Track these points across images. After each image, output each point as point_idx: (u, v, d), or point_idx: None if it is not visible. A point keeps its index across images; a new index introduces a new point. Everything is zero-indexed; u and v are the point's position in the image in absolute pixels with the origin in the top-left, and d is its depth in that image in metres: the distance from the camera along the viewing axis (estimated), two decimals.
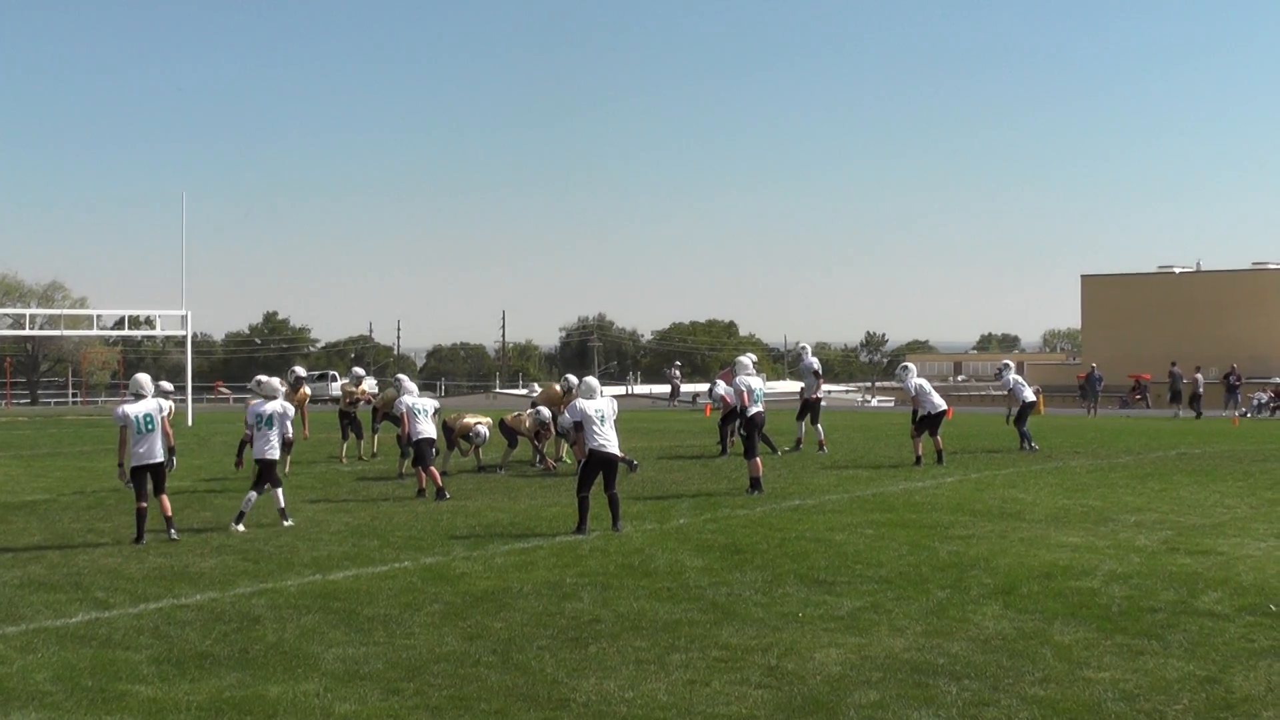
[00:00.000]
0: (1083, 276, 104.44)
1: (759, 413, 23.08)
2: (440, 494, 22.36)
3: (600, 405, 18.74)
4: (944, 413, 27.81)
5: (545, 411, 27.84)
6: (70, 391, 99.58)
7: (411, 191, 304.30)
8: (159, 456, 18.41)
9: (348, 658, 11.34)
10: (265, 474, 19.72)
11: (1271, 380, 45.36)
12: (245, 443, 21.96)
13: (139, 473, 18.29)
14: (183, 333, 63.36)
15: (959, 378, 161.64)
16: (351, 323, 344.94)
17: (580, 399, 18.84)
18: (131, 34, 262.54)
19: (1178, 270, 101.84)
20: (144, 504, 18.25)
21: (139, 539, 18.09)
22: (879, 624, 12.38)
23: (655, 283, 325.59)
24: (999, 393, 45.20)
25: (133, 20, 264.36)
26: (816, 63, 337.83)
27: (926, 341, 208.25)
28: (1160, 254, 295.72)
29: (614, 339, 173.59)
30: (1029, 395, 31.27)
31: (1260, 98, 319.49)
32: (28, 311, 75.68)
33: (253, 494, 19.51)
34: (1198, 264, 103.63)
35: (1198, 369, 59.86)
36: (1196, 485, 23.75)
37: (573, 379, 28.53)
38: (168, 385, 28.22)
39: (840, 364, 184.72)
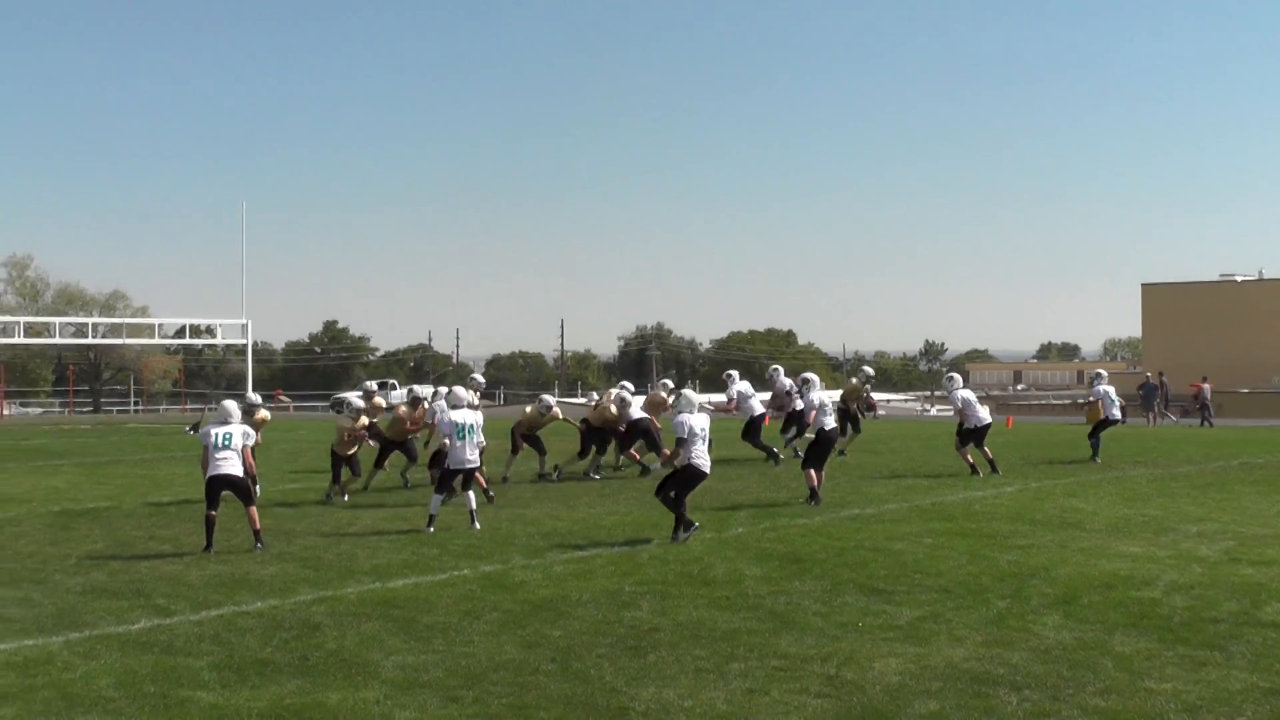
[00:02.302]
0: (1143, 285, 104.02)
1: (834, 428, 23.05)
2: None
3: (702, 420, 18.65)
4: (988, 426, 27.54)
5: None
6: (132, 400, 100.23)
7: (470, 200, 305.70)
8: (233, 470, 18.30)
9: (407, 665, 11.38)
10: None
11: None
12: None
13: (212, 483, 18.26)
14: (243, 341, 63.90)
15: (1019, 386, 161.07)
16: (411, 332, 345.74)
17: (684, 413, 18.63)
18: (192, 46, 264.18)
19: (1239, 279, 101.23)
20: (213, 512, 18.28)
21: (208, 547, 18.08)
22: (938, 633, 12.34)
23: (714, 291, 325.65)
24: (1083, 401, 44.93)
25: (192, 33, 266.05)
26: (872, 68, 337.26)
27: (986, 350, 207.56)
28: (1222, 262, 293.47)
29: (672, 348, 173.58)
30: (1116, 413, 30.84)
31: None
32: (90, 320, 76.42)
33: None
34: (1260, 272, 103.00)
35: (1204, 379, 59.48)
36: (1258, 495, 23.58)
37: (629, 386, 28.52)
38: (255, 397, 28.28)
39: (899, 373, 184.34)
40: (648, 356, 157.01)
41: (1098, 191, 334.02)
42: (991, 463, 27.33)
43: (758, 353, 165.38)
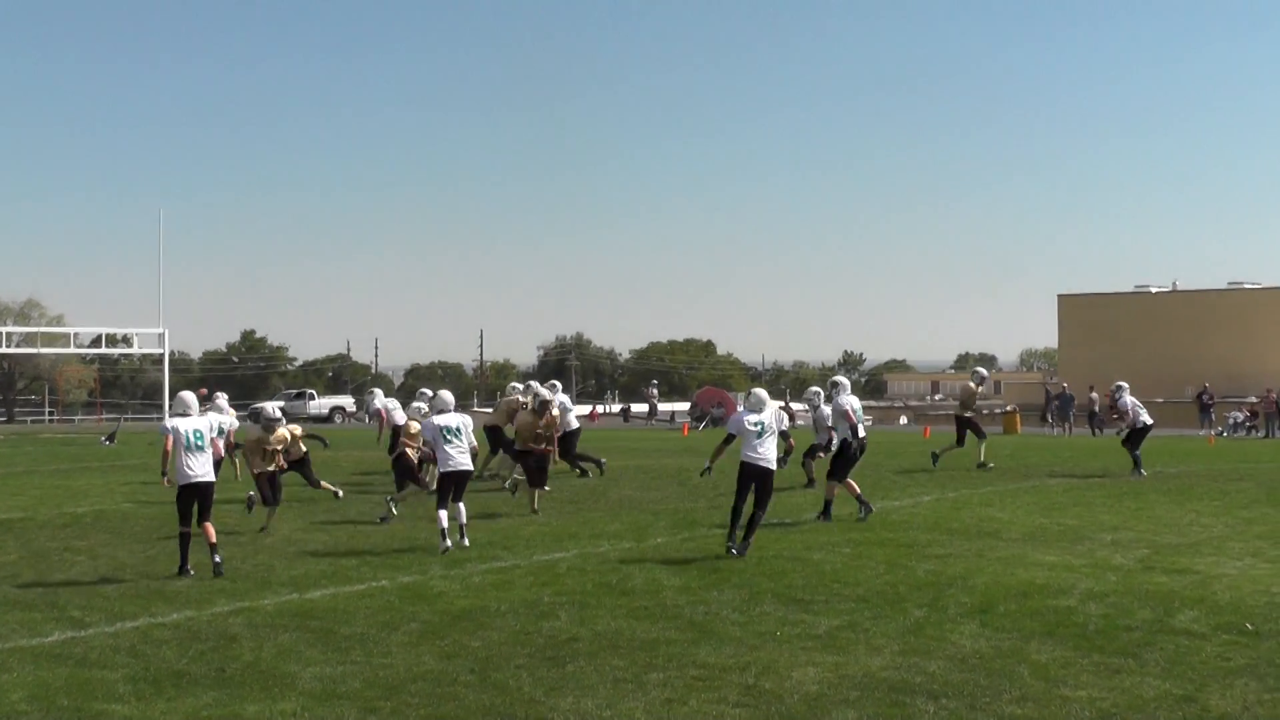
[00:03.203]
0: (1059, 296, 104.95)
1: (863, 438, 21.91)
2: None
3: (762, 418, 18.23)
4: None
5: None
6: (47, 410, 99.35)
7: (389, 209, 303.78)
8: (208, 475, 17.13)
9: (325, 677, 11.32)
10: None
11: (1247, 399, 45.56)
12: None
13: (186, 492, 16.91)
14: (160, 351, 63.35)
15: (936, 396, 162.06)
16: (329, 341, 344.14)
17: (744, 411, 18.44)
18: (106, 47, 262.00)
19: (1154, 290, 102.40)
20: (187, 529, 16.93)
21: (183, 569, 16.87)
22: (856, 643, 12.40)
23: (634, 301, 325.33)
24: (1000, 410, 44.95)
25: (107, 33, 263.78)
26: (791, 73, 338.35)
27: (904, 360, 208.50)
28: (1137, 274, 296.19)
29: (592, 358, 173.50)
30: (1146, 418, 30.58)
31: (1236, 118, 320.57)
32: (4, 329, 75.44)
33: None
34: (1174, 284, 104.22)
35: (1091, 388, 60.22)
36: (1172, 504, 23.83)
37: (558, 385, 28.49)
38: (222, 400, 28.14)
39: (818, 383, 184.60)
40: (567, 366, 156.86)
41: (1015, 202, 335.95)
42: (810, 481, 27.38)
43: (677, 363, 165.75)
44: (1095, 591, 14.86)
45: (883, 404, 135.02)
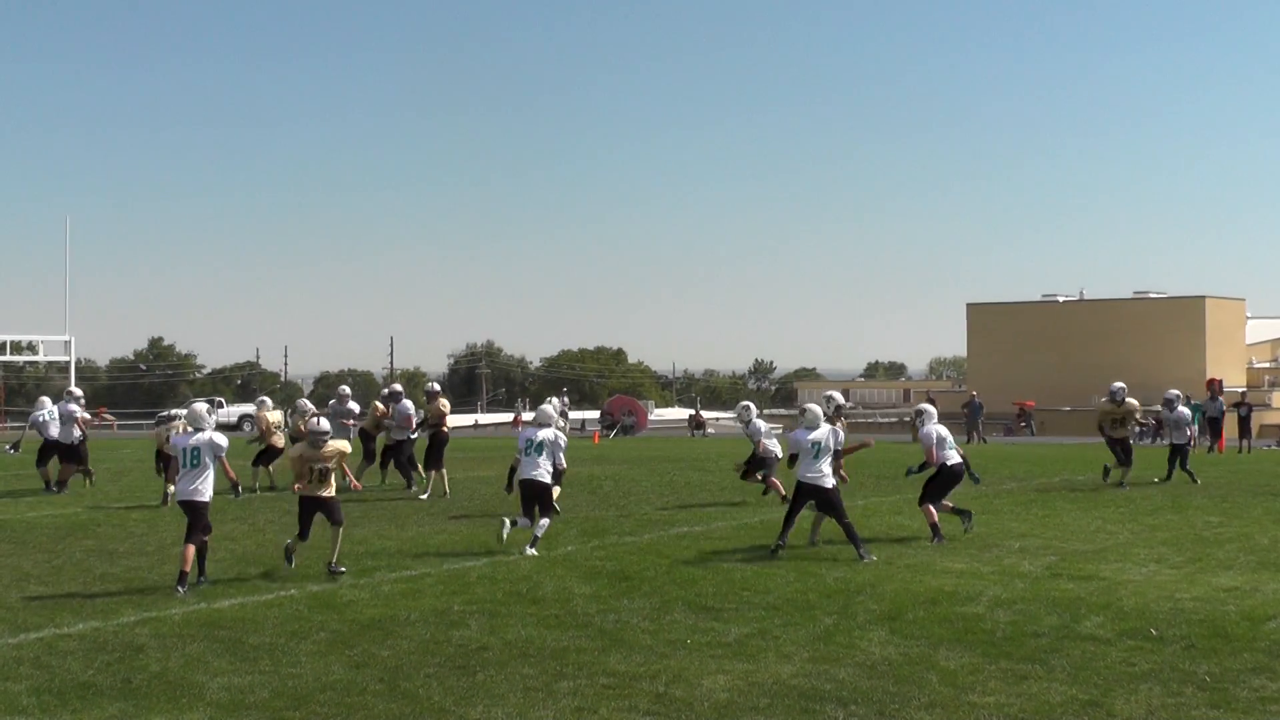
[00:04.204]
0: (969, 304, 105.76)
1: (958, 462, 20.99)
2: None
3: (818, 436, 18.59)
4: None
5: None
6: None
7: (299, 216, 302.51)
8: (195, 495, 16.60)
9: (233, 687, 11.22)
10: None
11: (1152, 408, 46.17)
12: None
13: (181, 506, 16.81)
14: (66, 358, 62.69)
15: (847, 405, 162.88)
16: (239, 349, 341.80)
17: (802, 429, 18.74)
18: (9, 51, 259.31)
19: (1061, 299, 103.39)
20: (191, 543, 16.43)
21: (181, 579, 16.26)
22: (766, 650, 12.42)
23: (544, 309, 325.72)
24: (909, 419, 44.69)
25: (11, 35, 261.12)
26: (699, 80, 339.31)
27: (814, 369, 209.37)
28: (1045, 283, 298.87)
29: (502, 366, 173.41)
30: (1186, 431, 30.29)
31: (1141, 132, 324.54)
32: None
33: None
34: (1081, 293, 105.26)
35: (974, 393, 60.88)
36: (1079, 511, 24.04)
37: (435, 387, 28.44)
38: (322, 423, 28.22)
39: (728, 391, 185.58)
40: (478, 374, 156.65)
41: (925, 211, 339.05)
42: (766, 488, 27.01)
43: (588, 371, 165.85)
44: (1003, 598, 14.97)
45: (793, 412, 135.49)
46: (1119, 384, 29.96)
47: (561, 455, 19.47)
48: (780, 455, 24.84)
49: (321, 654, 12.48)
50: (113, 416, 43.83)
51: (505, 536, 19.09)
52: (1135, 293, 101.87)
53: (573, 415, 79.08)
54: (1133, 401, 29.68)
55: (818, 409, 19.13)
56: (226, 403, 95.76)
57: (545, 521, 19.10)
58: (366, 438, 29.06)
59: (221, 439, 16.98)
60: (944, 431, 20.81)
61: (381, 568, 17.73)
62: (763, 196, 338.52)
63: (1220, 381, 53.35)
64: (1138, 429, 36.71)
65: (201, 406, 18.06)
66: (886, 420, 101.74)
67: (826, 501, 18.59)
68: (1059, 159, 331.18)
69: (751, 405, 26.35)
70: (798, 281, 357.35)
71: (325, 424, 17.82)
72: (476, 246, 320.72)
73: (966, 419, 58.03)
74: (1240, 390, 70.93)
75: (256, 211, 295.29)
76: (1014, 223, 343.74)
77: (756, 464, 25.44)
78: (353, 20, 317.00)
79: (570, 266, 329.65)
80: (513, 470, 19.71)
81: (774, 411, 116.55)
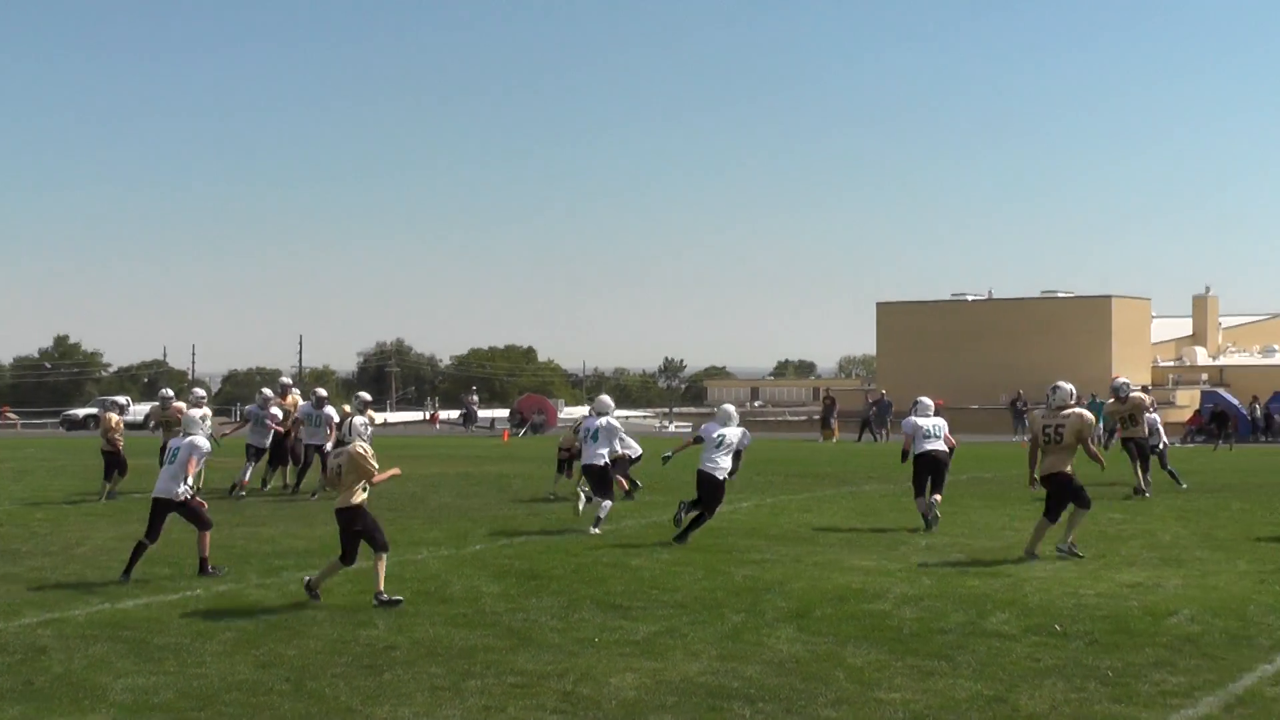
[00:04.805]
0: (878, 303, 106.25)
1: (925, 450, 21.37)
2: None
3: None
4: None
5: None
6: None
7: (206, 211, 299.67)
8: (166, 493, 16.83)
9: (137, 688, 11.11)
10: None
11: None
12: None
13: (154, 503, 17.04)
14: None
15: (756, 403, 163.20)
16: (145, 347, 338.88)
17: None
18: None
19: (970, 298, 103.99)
20: (146, 541, 16.88)
21: (126, 575, 16.65)
22: (674, 648, 12.44)
23: (455, 308, 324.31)
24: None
25: None
26: (613, 89, 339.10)
27: (724, 367, 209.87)
28: (954, 282, 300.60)
29: (412, 364, 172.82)
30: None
31: (1051, 133, 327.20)
32: None
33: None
34: (989, 292, 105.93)
35: (883, 391, 61.49)
36: (986, 509, 24.24)
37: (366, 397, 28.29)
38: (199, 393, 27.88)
39: (639, 390, 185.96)
40: (387, 373, 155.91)
41: (835, 210, 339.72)
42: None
43: (498, 370, 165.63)
44: (910, 595, 15.07)
45: (703, 410, 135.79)
46: (1122, 379, 28.91)
47: (619, 441, 22.00)
48: (638, 454, 26.74)
49: (228, 654, 12.39)
50: (16, 415, 43.38)
51: (581, 509, 21.97)
52: (1043, 292, 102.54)
53: (482, 414, 79.00)
54: (1139, 395, 28.56)
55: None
56: (133, 402, 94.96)
57: (607, 503, 21.08)
58: (283, 438, 28.88)
59: (204, 444, 17.19)
60: (925, 422, 21.68)
61: (289, 567, 17.63)
62: (673, 195, 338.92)
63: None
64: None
65: (196, 413, 18.82)
66: (796, 419, 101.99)
67: (710, 494, 19.66)
68: (969, 160, 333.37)
69: (609, 399, 25.94)
70: (708, 280, 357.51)
71: (368, 428, 16.48)
72: (387, 244, 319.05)
73: (874, 417, 58.41)
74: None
75: (164, 207, 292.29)
76: (924, 222, 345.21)
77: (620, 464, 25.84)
78: (252, 13, 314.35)
79: (481, 264, 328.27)
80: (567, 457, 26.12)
81: (682, 410, 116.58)
